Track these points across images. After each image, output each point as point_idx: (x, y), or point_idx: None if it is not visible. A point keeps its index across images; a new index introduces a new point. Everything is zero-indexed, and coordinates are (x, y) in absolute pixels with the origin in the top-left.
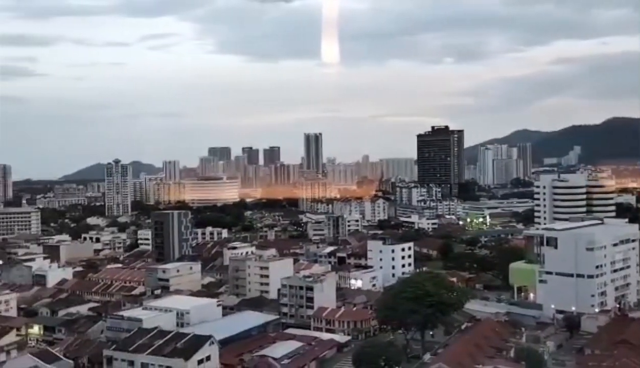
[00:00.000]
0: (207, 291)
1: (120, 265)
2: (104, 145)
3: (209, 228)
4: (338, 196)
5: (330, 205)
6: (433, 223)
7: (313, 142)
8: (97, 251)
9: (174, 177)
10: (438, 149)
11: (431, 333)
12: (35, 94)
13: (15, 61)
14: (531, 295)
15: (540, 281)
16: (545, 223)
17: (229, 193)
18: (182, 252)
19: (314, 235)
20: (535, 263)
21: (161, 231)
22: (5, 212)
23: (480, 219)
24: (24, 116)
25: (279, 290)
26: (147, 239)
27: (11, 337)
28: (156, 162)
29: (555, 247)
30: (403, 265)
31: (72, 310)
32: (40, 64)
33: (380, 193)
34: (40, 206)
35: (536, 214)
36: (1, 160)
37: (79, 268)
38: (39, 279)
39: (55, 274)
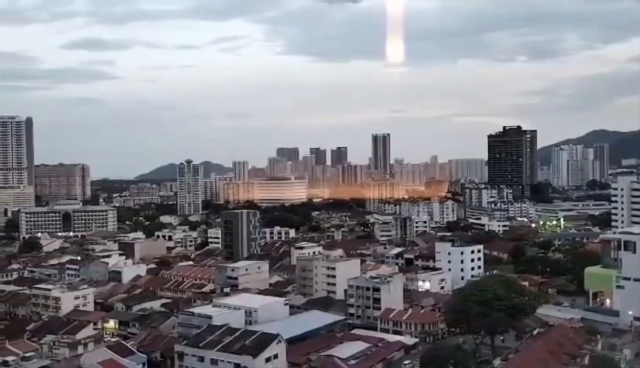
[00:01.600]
0: (275, 290)
1: (191, 262)
2: (177, 145)
3: (277, 228)
4: (406, 197)
5: (397, 206)
6: (504, 226)
7: (381, 143)
8: (169, 249)
9: (243, 177)
10: (510, 149)
11: (501, 338)
12: (112, 95)
13: (94, 64)
14: (607, 301)
15: (618, 286)
16: (623, 227)
17: (296, 193)
18: (251, 251)
19: (381, 236)
20: (612, 268)
21: (230, 230)
22: (84, 210)
23: (554, 222)
24: (102, 117)
25: (345, 290)
26: (217, 238)
27: (89, 331)
28: (225, 162)
29: (634, 252)
30: (472, 268)
31: (146, 305)
32: (117, 67)
33: (449, 195)
34: (117, 204)
35: (613, 217)
36: (81, 160)
37: (152, 266)
38: (115, 275)
39: (130, 271)
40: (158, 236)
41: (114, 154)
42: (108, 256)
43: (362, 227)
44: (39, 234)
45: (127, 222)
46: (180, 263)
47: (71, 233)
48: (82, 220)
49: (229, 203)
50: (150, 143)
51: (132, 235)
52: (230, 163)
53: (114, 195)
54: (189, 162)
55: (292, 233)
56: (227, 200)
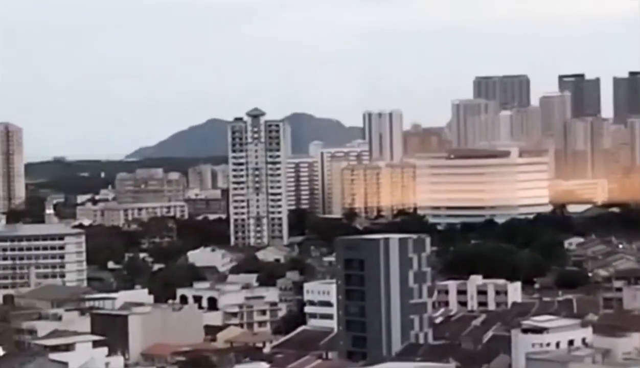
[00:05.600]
0: None
1: (264, 364)
2: (228, 79)
3: (477, 279)
4: None
5: None
6: None
7: None
8: (211, 330)
9: (391, 150)
10: None
11: None
12: None
13: None
14: None
15: None
16: None
17: (524, 189)
18: (411, 336)
19: None
20: None
21: (360, 285)
22: (10, 237)
23: None
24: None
25: None
26: (326, 304)
27: None
28: (346, 116)
29: None
30: None
31: None
32: None
33: None
34: (86, 221)
35: None
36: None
37: None
38: None
39: None
40: (184, 299)
41: (76, 105)
42: (67, 347)
43: None
44: None
45: (111, 264)
46: (239, 367)
47: None
48: (5, 258)
49: (356, 215)
50: (167, 78)
51: (122, 295)
52: (357, 117)
53: (80, 198)
54: (255, 115)
55: (513, 291)
56: (351, 208)
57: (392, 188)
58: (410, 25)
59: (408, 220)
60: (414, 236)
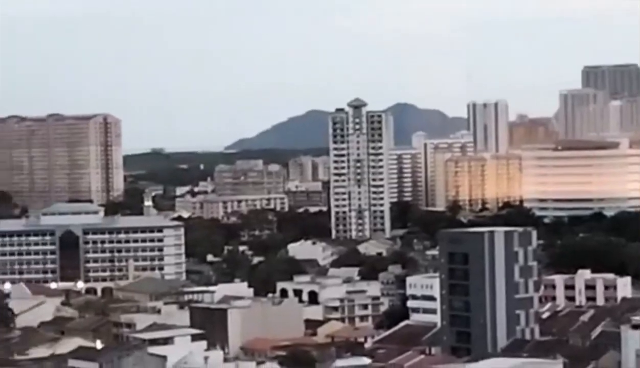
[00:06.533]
0: None
1: (365, 359)
2: (324, 69)
3: (585, 274)
4: None
5: None
6: None
7: None
8: (311, 324)
9: (496, 141)
10: None
11: None
12: None
13: None
14: None
15: None
16: None
17: (634, 182)
18: (516, 329)
19: None
20: None
21: (464, 279)
22: (108, 229)
23: None
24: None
25: None
26: (430, 298)
27: None
28: (449, 107)
29: None
30: None
31: None
32: None
33: None
34: (185, 214)
35: None
36: (96, 108)
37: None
38: None
39: None
40: (284, 293)
41: (176, 96)
42: (166, 341)
43: None
44: (6, 285)
45: (210, 257)
46: (340, 363)
47: (80, 284)
48: (103, 250)
49: (460, 208)
50: (267, 69)
51: (220, 288)
52: (461, 108)
53: (179, 190)
54: (357, 106)
55: (623, 286)
56: (455, 200)
57: (497, 181)
58: (516, 14)
59: (514, 213)
60: (520, 229)
